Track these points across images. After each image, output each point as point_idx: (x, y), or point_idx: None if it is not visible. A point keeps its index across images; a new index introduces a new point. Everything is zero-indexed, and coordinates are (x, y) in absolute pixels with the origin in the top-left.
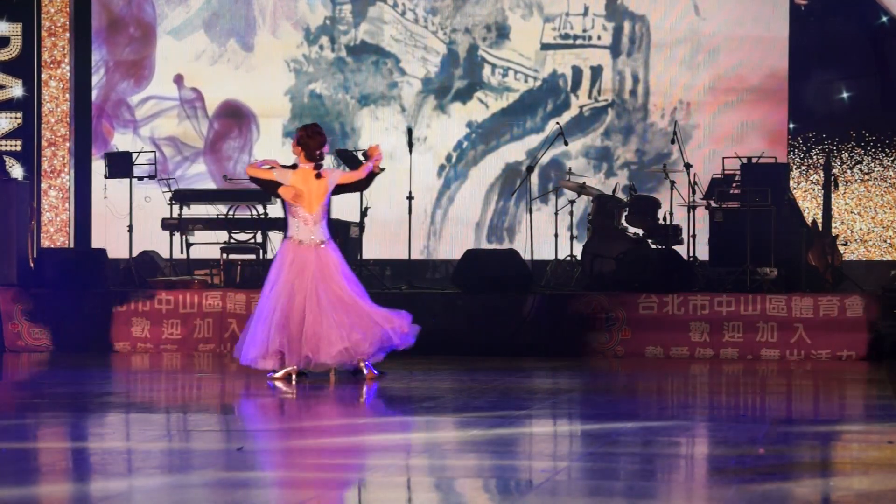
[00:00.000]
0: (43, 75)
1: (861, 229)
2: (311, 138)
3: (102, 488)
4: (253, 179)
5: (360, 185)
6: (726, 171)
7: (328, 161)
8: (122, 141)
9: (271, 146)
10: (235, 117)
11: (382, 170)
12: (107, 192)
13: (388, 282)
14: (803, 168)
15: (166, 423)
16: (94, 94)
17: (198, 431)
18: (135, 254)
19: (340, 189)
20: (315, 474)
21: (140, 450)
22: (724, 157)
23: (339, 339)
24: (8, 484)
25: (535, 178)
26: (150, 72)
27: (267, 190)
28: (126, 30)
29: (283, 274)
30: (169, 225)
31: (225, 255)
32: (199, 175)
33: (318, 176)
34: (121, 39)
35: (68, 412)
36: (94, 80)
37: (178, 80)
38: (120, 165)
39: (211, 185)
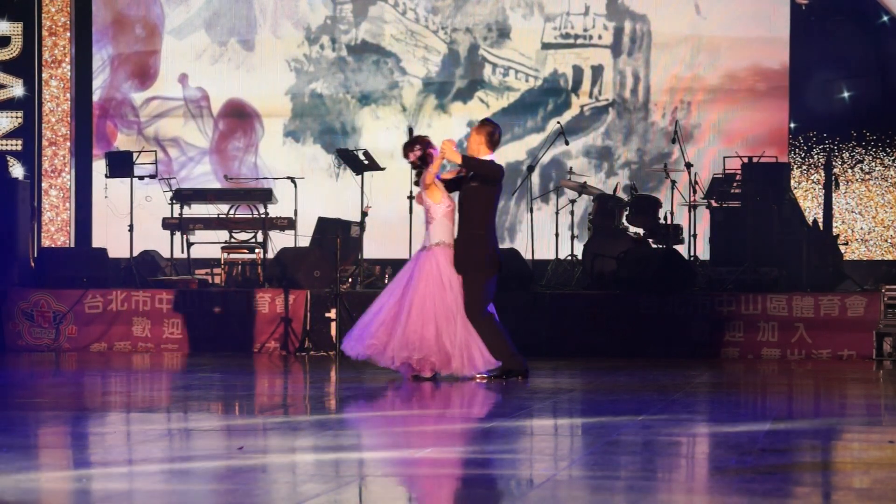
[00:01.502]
0: (44, 74)
1: (862, 229)
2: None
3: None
4: None
5: (458, 182)
6: (727, 171)
7: (327, 161)
8: (125, 142)
9: (274, 146)
10: (240, 117)
11: (460, 169)
12: (107, 191)
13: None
14: (804, 167)
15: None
16: (98, 94)
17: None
18: (135, 253)
19: (451, 188)
20: (317, 474)
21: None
22: (724, 157)
23: (369, 339)
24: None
25: (535, 177)
26: (155, 71)
27: None
28: (132, 29)
29: (399, 275)
30: (170, 224)
31: (226, 255)
32: (204, 175)
33: (417, 183)
34: (126, 39)
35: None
36: (99, 79)
37: (183, 79)
38: (121, 165)
39: (216, 185)
